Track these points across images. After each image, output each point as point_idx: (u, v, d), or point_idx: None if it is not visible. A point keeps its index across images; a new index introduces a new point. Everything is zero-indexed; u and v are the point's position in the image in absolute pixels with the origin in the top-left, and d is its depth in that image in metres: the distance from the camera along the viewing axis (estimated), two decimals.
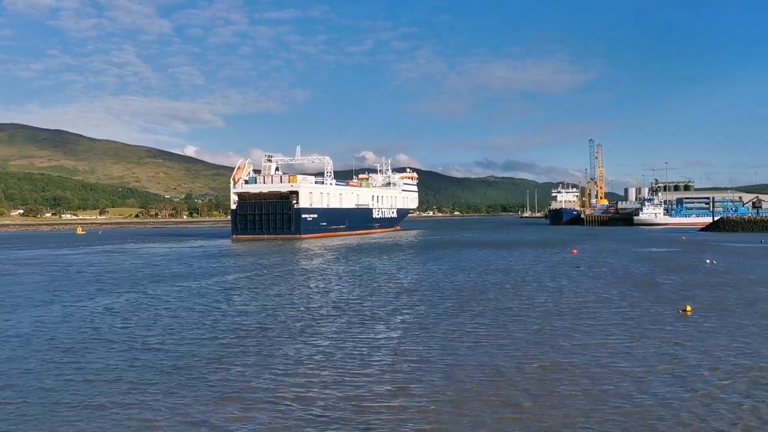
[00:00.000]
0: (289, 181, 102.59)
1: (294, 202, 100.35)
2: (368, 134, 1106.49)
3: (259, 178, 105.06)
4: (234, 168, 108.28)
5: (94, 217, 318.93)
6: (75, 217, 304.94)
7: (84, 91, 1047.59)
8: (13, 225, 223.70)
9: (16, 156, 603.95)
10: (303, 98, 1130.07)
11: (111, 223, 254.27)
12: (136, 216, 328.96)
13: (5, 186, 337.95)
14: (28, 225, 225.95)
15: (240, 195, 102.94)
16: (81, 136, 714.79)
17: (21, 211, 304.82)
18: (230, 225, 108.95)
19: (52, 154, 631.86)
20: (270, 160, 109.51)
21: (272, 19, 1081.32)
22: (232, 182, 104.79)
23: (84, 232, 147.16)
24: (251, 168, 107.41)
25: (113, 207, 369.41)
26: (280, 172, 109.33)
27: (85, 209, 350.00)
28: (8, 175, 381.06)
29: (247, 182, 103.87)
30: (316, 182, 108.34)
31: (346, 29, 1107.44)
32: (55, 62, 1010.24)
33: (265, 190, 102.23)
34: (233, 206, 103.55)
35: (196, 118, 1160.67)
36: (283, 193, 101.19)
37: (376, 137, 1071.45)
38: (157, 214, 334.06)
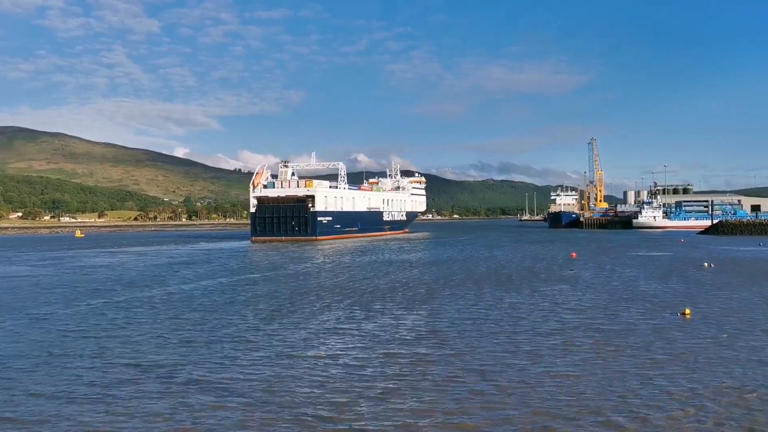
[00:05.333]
0: (305, 186, 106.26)
1: (310, 205, 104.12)
2: (361, 136, 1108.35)
3: (277, 183, 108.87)
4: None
5: (93, 219, 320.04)
6: (74, 220, 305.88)
7: (75, 93, 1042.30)
8: (11, 228, 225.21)
9: (15, 159, 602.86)
10: (297, 99, 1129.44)
11: (110, 226, 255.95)
12: (135, 219, 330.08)
13: (4, 189, 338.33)
14: (26, 228, 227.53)
15: (259, 199, 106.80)
16: (80, 138, 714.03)
17: (20, 214, 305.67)
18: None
19: (51, 157, 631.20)
20: (286, 166, 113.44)
21: (263, 19, 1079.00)
22: (251, 186, 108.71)
23: (83, 235, 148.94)
24: (269, 173, 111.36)
25: (112, 210, 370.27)
26: (296, 177, 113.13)
27: (83, 212, 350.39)
28: (7, 178, 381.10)
29: (265, 187, 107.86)
30: (330, 186, 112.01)
31: (339, 29, 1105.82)
32: (44, 63, 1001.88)
33: (282, 194, 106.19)
34: (252, 209, 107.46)
35: (190, 120, 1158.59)
36: (300, 197, 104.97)
37: (370, 139, 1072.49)
38: (155, 217, 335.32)
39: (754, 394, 15.06)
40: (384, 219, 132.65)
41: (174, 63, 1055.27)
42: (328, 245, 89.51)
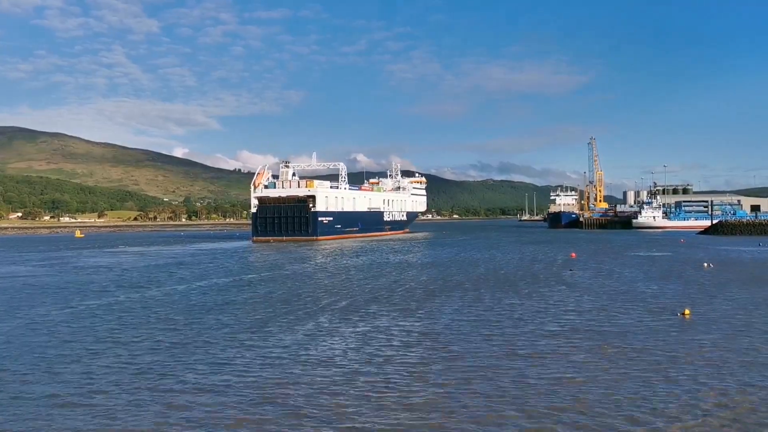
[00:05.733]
0: (306, 186, 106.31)
1: (311, 205, 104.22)
2: (361, 136, 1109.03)
3: (278, 183, 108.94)
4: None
5: (93, 220, 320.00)
6: (73, 220, 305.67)
7: (74, 93, 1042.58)
8: (11, 228, 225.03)
9: (15, 159, 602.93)
10: (297, 99, 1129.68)
11: (110, 226, 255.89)
12: (135, 219, 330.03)
13: (4, 189, 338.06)
14: (26, 228, 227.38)
15: (260, 199, 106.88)
16: (79, 139, 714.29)
17: (19, 214, 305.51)
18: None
19: (51, 157, 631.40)
20: (287, 166, 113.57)
21: (262, 19, 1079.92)
22: (252, 187, 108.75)
23: (83, 235, 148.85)
24: (270, 173, 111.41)
25: (112, 210, 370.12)
26: (297, 177, 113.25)
27: (83, 212, 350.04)
28: (7, 178, 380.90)
29: (266, 187, 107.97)
30: (331, 187, 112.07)
31: (339, 29, 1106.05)
32: (43, 62, 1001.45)
33: (283, 195, 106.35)
34: (253, 209, 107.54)
35: (190, 120, 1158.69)
36: (301, 197, 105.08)
37: (370, 139, 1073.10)
38: (155, 217, 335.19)
39: (757, 395, 15.09)
40: (384, 219, 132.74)
41: (174, 63, 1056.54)
42: (329, 245, 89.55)
